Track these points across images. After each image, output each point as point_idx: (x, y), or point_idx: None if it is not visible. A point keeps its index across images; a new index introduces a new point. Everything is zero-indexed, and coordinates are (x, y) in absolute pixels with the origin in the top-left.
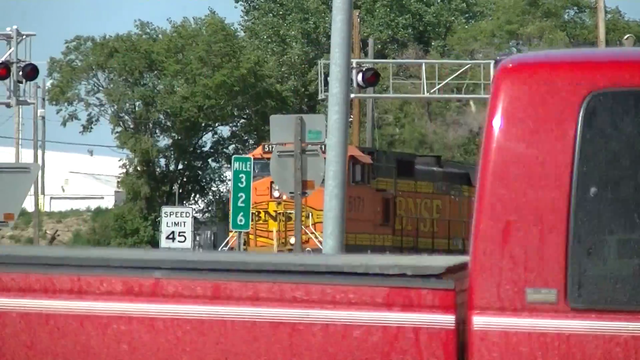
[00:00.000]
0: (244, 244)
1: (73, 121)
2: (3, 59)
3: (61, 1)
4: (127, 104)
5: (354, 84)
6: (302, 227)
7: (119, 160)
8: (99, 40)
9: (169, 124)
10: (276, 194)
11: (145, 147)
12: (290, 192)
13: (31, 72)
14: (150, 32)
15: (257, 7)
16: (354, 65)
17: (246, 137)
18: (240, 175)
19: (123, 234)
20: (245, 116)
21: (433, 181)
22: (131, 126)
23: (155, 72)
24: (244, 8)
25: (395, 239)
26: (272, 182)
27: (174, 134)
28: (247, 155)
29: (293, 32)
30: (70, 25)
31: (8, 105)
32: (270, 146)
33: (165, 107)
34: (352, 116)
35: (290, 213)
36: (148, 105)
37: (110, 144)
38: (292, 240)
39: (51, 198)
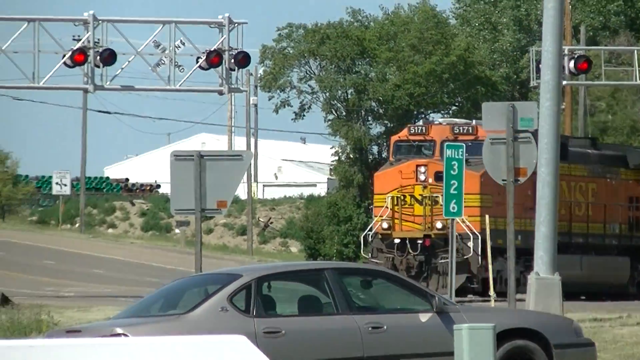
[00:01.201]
0: (388, 229)
1: (285, 108)
2: (215, 47)
3: None
4: (339, 92)
5: (566, 71)
6: None
7: (331, 148)
8: (311, 27)
9: (381, 111)
10: (422, 177)
11: (358, 134)
12: (503, 180)
13: (243, 59)
14: (362, 19)
15: None
16: (566, 52)
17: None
18: (453, 163)
19: (336, 222)
20: (457, 103)
21: (588, 164)
22: (343, 114)
23: (367, 59)
24: None
25: None
26: (417, 165)
27: (386, 122)
28: (459, 143)
29: (505, 19)
30: (282, 12)
31: (220, 93)
32: (415, 128)
33: (377, 94)
34: (564, 104)
35: (436, 197)
36: (360, 93)
37: (322, 131)
38: (438, 224)
39: (264, 185)
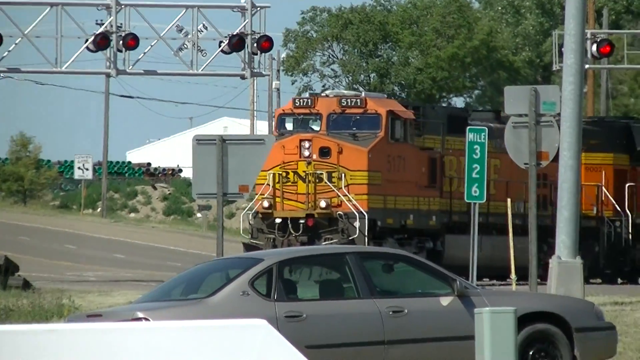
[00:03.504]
0: (269, 208)
1: (308, 92)
2: (237, 31)
3: None
4: (362, 76)
5: (589, 55)
6: (335, 189)
7: None
8: (335, 11)
9: (403, 95)
10: (306, 153)
11: None
12: (525, 163)
13: (266, 43)
14: (385, 3)
15: None
16: (589, 36)
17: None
18: (475, 147)
19: None
20: (479, 88)
21: (491, 139)
22: None
23: (390, 43)
24: None
25: (443, 202)
26: (301, 140)
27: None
28: (481, 126)
29: (528, 3)
30: None
31: (243, 77)
32: (300, 101)
33: (399, 78)
34: (586, 87)
35: (320, 174)
36: (382, 77)
37: None
38: (322, 203)
39: None
